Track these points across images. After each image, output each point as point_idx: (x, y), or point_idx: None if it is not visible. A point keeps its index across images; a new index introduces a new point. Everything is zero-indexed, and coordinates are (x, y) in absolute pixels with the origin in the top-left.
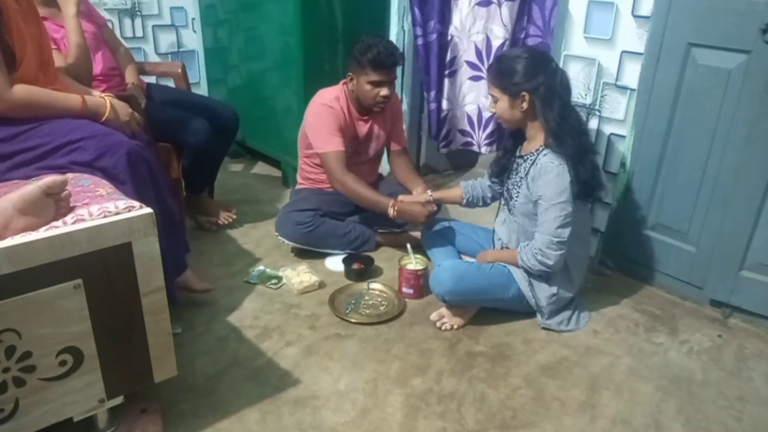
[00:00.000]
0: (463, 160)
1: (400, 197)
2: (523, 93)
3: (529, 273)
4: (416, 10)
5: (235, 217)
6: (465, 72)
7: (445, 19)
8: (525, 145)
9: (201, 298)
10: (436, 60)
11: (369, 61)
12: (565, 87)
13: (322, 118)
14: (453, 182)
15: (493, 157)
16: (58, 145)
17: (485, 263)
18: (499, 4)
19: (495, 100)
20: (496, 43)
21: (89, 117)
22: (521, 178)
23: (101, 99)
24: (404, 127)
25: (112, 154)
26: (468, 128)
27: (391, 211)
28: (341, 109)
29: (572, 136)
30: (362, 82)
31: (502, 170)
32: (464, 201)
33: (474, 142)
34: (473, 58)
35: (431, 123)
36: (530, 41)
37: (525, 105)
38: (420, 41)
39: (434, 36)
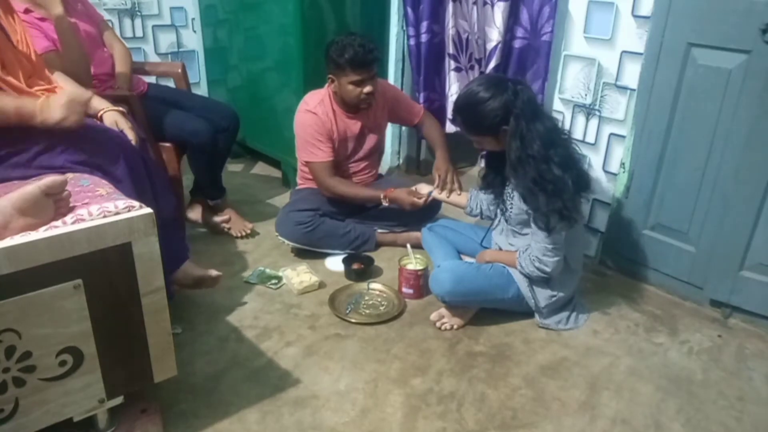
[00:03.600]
0: (463, 159)
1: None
2: (504, 128)
3: (530, 277)
4: (409, 11)
5: (249, 231)
6: (449, 64)
7: (439, 19)
8: None
9: (201, 299)
10: (426, 60)
11: (347, 61)
12: (531, 102)
13: (306, 126)
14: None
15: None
16: (51, 143)
17: (484, 264)
18: (492, 5)
19: (479, 142)
20: (489, 46)
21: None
22: (513, 189)
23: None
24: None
25: (107, 151)
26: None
27: (384, 202)
28: (326, 114)
29: (538, 164)
30: (344, 83)
31: (491, 184)
32: (468, 209)
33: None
34: (454, 51)
35: None
36: (517, 43)
37: (508, 136)
38: (412, 42)
39: (427, 37)
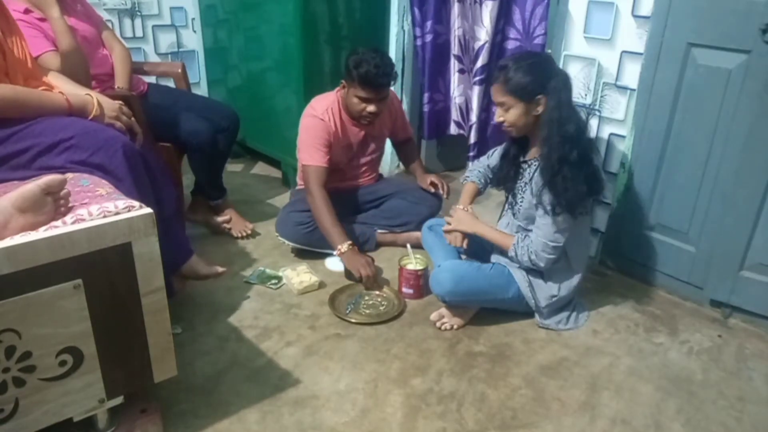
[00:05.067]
0: (461, 162)
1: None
2: (539, 96)
3: (528, 272)
4: (416, 11)
5: (250, 231)
6: (454, 65)
7: (442, 19)
8: (530, 150)
9: (201, 298)
10: (430, 61)
11: (359, 76)
12: (569, 88)
13: (311, 131)
14: (453, 182)
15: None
16: (51, 143)
17: (485, 264)
18: (480, 4)
19: (506, 108)
20: (476, 45)
21: (76, 115)
22: (525, 183)
23: (87, 96)
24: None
25: (107, 150)
26: (459, 119)
27: (336, 252)
28: (332, 120)
29: (566, 144)
30: (351, 94)
31: (505, 178)
32: (481, 189)
33: (465, 131)
34: (459, 52)
35: (425, 124)
36: (509, 44)
37: (540, 108)
38: (419, 42)
39: (430, 37)
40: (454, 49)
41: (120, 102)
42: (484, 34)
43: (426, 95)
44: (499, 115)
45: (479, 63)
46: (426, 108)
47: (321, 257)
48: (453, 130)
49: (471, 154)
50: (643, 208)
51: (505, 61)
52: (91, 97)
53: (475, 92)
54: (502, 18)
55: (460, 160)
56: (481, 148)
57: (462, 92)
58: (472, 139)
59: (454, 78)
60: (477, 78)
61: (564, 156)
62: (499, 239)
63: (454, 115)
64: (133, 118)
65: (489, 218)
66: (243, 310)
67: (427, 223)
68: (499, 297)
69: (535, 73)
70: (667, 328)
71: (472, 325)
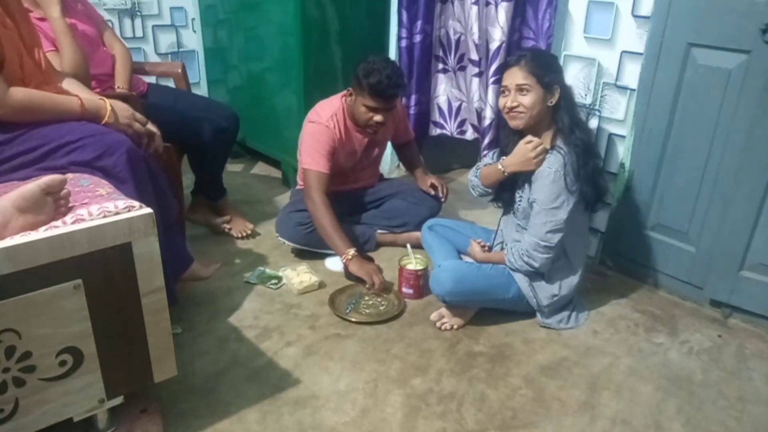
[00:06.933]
0: (460, 161)
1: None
2: (556, 86)
3: (519, 271)
4: (404, 12)
5: (250, 231)
6: (435, 65)
7: (431, 19)
8: None
9: (201, 299)
10: (419, 62)
11: (369, 85)
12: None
13: (316, 137)
14: (452, 182)
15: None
16: (57, 145)
17: (485, 264)
18: (496, 5)
19: (525, 91)
20: (492, 46)
21: (89, 119)
22: (522, 181)
23: (101, 101)
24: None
25: (111, 153)
26: (440, 119)
27: (343, 259)
28: (337, 127)
29: (583, 132)
30: (359, 102)
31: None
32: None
33: (447, 130)
34: (440, 52)
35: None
36: (526, 44)
37: (554, 100)
38: (404, 43)
39: (420, 37)
40: (436, 49)
41: (132, 112)
42: (499, 35)
43: (414, 97)
44: (512, 100)
45: (496, 63)
46: (413, 111)
47: (321, 257)
48: (432, 131)
49: (484, 153)
50: (643, 208)
51: (521, 51)
52: (105, 102)
53: (491, 92)
54: (518, 17)
55: (449, 162)
56: (496, 148)
57: (443, 92)
58: (487, 139)
59: (435, 78)
60: (494, 78)
61: (588, 146)
62: (497, 258)
63: (434, 115)
64: (146, 126)
65: (489, 219)
66: (243, 310)
67: (427, 223)
68: (500, 297)
69: (554, 64)
70: (667, 328)
71: (472, 325)
